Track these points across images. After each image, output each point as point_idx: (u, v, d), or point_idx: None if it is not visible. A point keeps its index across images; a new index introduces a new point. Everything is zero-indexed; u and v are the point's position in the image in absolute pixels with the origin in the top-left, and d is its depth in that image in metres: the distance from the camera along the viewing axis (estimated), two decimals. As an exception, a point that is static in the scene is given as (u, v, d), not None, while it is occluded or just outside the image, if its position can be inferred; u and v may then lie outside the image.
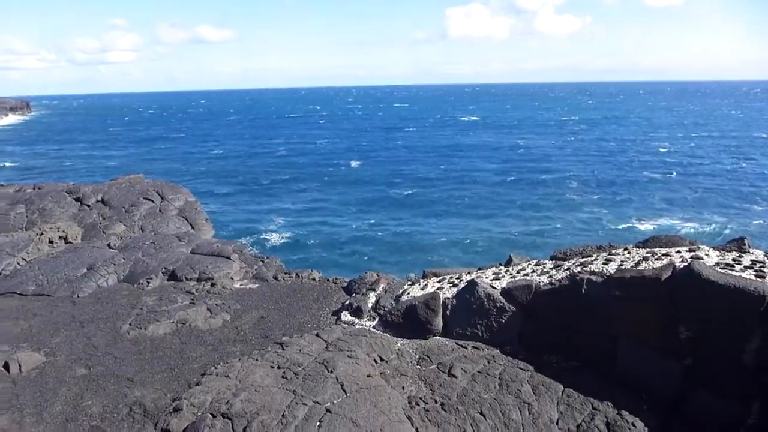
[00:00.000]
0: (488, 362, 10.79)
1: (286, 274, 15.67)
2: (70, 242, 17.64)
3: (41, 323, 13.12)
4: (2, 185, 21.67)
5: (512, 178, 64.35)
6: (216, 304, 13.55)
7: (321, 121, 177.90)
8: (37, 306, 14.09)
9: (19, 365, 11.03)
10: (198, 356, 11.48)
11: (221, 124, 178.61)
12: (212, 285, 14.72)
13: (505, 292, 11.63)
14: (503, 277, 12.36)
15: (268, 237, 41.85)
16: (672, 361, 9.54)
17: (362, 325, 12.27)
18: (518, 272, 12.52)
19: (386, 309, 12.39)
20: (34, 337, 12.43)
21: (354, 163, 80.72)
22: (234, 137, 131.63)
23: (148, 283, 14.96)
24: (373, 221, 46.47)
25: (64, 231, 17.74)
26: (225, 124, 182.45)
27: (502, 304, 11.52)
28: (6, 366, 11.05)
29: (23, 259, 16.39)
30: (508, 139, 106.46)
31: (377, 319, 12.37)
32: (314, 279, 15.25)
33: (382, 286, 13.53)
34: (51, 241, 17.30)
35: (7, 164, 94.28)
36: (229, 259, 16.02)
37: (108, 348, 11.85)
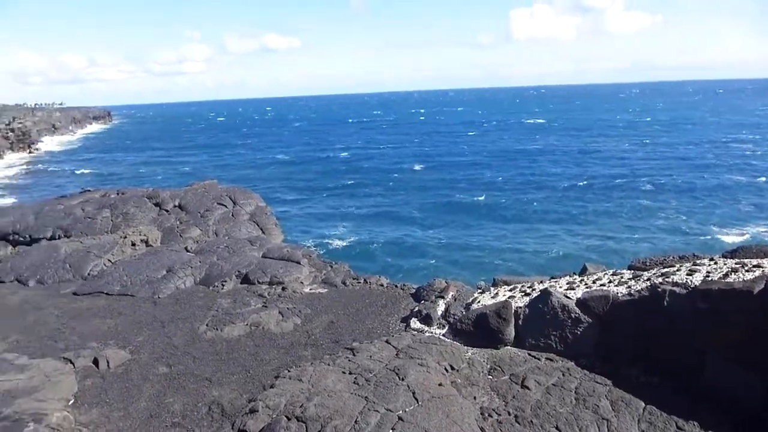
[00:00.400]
0: (563, 375, 10.44)
1: (354, 279, 15.82)
2: (151, 245, 18.56)
3: (126, 322, 13.85)
4: (89, 190, 23.10)
5: (583, 182, 62.13)
6: (287, 308, 13.84)
7: (384, 126, 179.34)
8: (121, 305, 14.90)
9: (107, 361, 11.68)
10: (271, 359, 11.75)
11: (287, 130, 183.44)
12: (283, 289, 15.06)
13: (580, 302, 11.24)
14: (578, 286, 11.96)
15: (333, 242, 42.41)
16: (761, 376, 8.95)
17: (432, 332, 12.17)
18: (594, 282, 12.07)
19: (456, 317, 12.25)
20: (120, 335, 13.12)
21: (418, 168, 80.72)
22: (299, 143, 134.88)
23: (223, 285, 15.49)
24: (438, 227, 46.10)
25: (145, 235, 18.70)
26: (291, 130, 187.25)
27: (577, 315, 11.13)
28: (95, 362, 11.73)
29: (109, 260, 17.39)
30: (576, 142, 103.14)
31: (447, 327, 12.25)
32: (382, 285, 15.30)
33: (451, 293, 13.39)
34: (133, 244, 18.28)
35: (89, 171, 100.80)
36: (299, 263, 16.34)
37: (187, 348, 12.35)
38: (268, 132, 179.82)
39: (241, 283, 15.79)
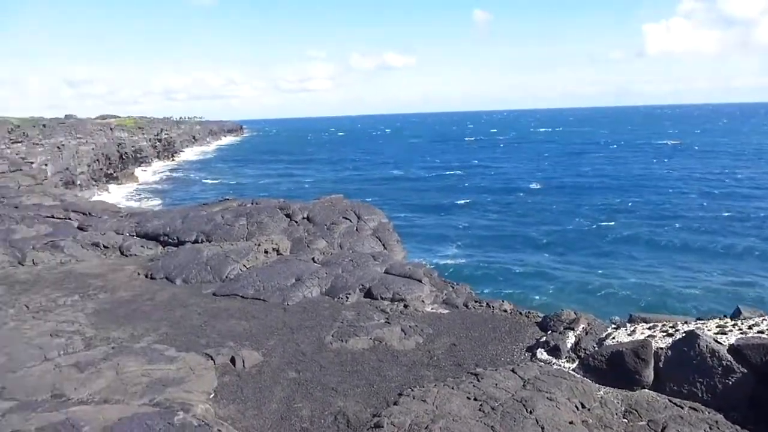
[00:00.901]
0: (710, 428, 9.51)
1: (476, 302, 15.61)
2: (281, 254, 19.65)
3: (258, 325, 14.74)
4: (228, 199, 25.00)
5: (728, 213, 56.21)
6: (409, 326, 13.96)
7: (502, 145, 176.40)
8: (254, 309, 15.90)
9: (243, 361, 12.49)
10: (394, 375, 11.88)
11: (402, 147, 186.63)
12: (405, 306, 15.21)
13: (733, 349, 10.19)
14: (730, 331, 10.86)
15: (444, 261, 42.13)
16: None
17: (560, 365, 11.64)
18: (749, 328, 10.90)
19: (587, 352, 11.62)
20: (253, 338, 13.99)
21: (536, 189, 78.31)
22: (414, 159, 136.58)
23: (347, 298, 15.98)
24: (559, 253, 43.96)
25: (276, 243, 19.85)
26: (406, 146, 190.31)
27: (729, 363, 10.09)
28: (232, 360, 12.59)
29: (244, 265, 18.67)
30: (718, 167, 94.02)
31: (577, 362, 11.65)
32: (505, 310, 14.93)
33: (582, 326, 12.74)
34: (266, 252, 19.48)
35: (219, 180, 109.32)
36: (420, 282, 16.44)
37: (314, 356, 12.86)
38: (385, 148, 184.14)
39: (364, 297, 16.18)
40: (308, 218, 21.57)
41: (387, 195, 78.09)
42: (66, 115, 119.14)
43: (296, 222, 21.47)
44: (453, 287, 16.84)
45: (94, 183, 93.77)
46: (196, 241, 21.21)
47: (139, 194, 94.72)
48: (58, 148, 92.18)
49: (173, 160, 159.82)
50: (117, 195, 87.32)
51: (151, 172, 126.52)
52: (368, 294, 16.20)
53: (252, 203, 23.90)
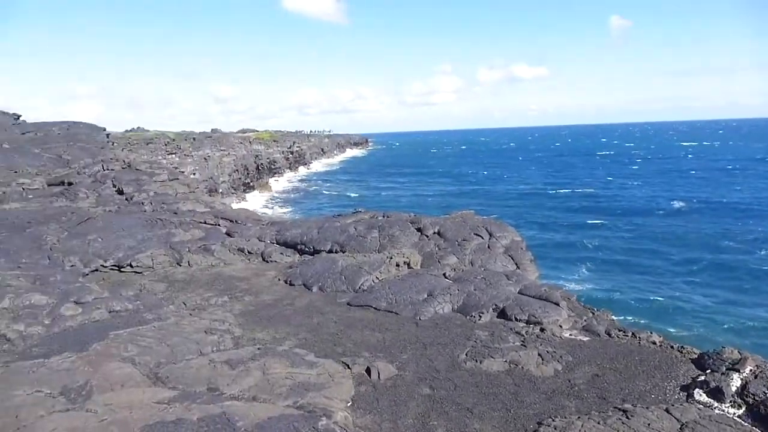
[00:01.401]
0: None
1: (620, 331, 14.58)
2: (412, 268, 19.85)
3: (391, 338, 14.96)
4: (360, 211, 25.80)
5: None
6: (547, 351, 13.38)
7: (638, 160, 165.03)
8: (387, 321, 16.17)
9: (378, 373, 12.71)
10: (531, 402, 11.43)
11: (528, 161, 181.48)
12: (542, 330, 14.62)
13: None
14: None
15: (575, 286, 40.01)
16: None
17: (723, 411, 10.47)
18: None
19: (758, 398, 10.33)
20: (387, 350, 14.20)
21: (677, 210, 72.19)
22: (541, 175, 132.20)
23: (480, 317, 15.71)
24: (705, 285, 39.79)
25: (408, 257, 20.09)
26: (531, 160, 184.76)
27: None
28: (368, 371, 12.88)
29: (376, 277, 19.10)
30: None
31: (744, 408, 10.41)
32: (654, 342, 13.78)
33: (749, 368, 11.37)
34: (398, 265, 19.78)
35: (342, 192, 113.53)
36: (558, 305, 15.71)
37: (448, 373, 12.76)
38: (510, 162, 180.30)
39: (497, 317, 15.82)
40: (439, 233, 21.61)
41: (511, 211, 76.29)
42: (212, 129, 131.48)
43: (427, 236, 21.59)
44: (593, 313, 15.91)
45: (233, 191, 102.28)
46: (330, 251, 22.10)
47: (272, 202, 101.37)
48: (205, 159, 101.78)
49: (303, 170, 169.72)
50: (253, 203, 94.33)
51: (282, 182, 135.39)
52: (502, 314, 15.80)
53: (383, 216, 24.45)
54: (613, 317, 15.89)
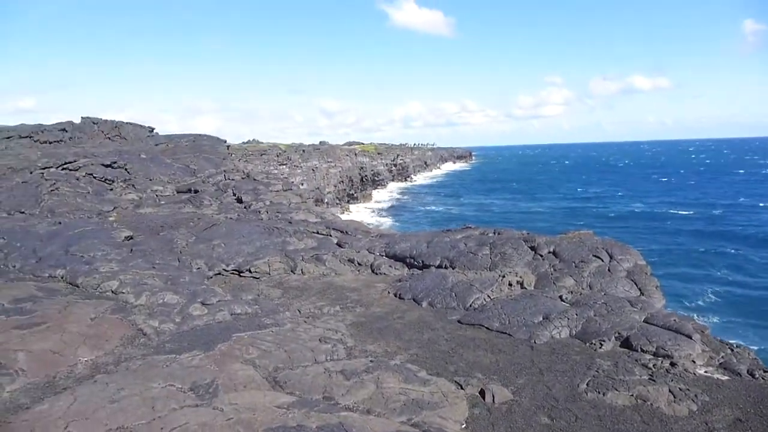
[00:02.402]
0: None
1: (764, 372, 13.06)
2: (525, 288, 19.17)
3: (505, 360, 14.47)
4: (470, 227, 25.42)
5: None
6: (679, 388, 12.28)
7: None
8: (500, 342, 15.69)
9: (493, 396, 12.32)
10: (665, 444, 10.51)
11: (643, 178, 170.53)
12: (672, 364, 13.46)
13: None
14: None
15: (699, 318, 36.65)
16: None
17: None
18: None
19: None
20: (501, 372, 13.75)
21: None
22: (658, 193, 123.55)
23: (601, 345, 14.79)
24: None
25: (521, 276, 19.45)
26: (646, 177, 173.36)
27: None
28: (482, 393, 12.52)
29: (488, 296, 18.65)
30: None
31: None
32: (810, 389, 12.18)
33: None
34: (510, 284, 19.21)
35: (441, 207, 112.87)
36: (690, 338, 14.40)
37: (567, 403, 12.09)
38: (622, 179, 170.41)
39: (620, 346, 14.80)
40: (554, 253, 20.72)
41: (625, 233, 71.82)
42: (320, 142, 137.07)
43: (541, 256, 20.78)
44: (732, 349, 14.40)
45: (337, 202, 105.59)
46: (440, 266, 21.95)
47: (375, 214, 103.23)
48: (312, 170, 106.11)
49: (406, 183, 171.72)
50: (356, 214, 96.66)
51: (384, 194, 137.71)
52: (625, 343, 14.76)
53: (494, 232, 23.91)
54: (756, 355, 14.27)
